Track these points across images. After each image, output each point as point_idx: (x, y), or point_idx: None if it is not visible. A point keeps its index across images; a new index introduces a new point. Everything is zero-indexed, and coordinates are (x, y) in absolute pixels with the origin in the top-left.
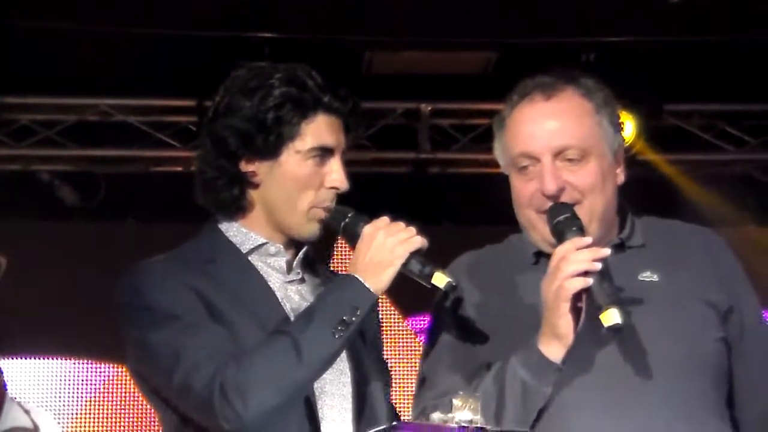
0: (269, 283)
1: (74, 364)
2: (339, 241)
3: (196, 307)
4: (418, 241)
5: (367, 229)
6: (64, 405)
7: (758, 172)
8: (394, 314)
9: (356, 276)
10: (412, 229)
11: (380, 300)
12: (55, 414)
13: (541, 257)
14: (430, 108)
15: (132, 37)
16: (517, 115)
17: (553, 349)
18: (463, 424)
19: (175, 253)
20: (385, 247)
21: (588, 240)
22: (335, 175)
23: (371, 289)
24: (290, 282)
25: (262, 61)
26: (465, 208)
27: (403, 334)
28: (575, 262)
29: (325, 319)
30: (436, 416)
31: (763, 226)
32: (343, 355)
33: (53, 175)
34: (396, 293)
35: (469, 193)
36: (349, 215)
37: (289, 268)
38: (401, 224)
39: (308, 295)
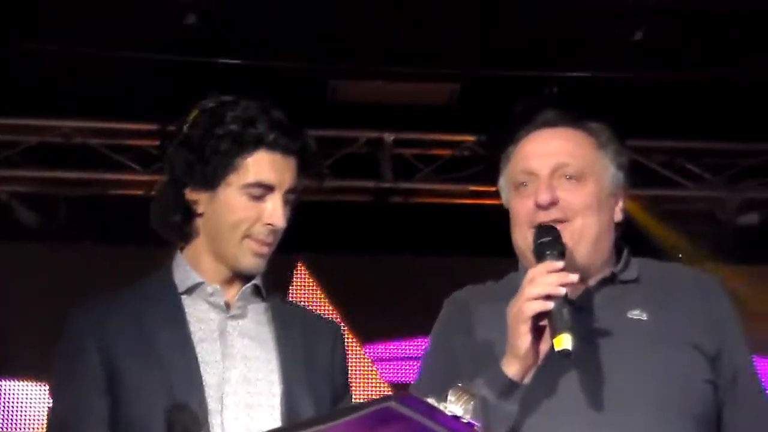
0: (203, 325)
1: (26, 385)
2: (298, 268)
3: (93, 378)
4: None
5: None
6: (12, 426)
7: (717, 209)
8: (352, 342)
9: None
10: None
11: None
12: None
13: None
14: (393, 137)
15: (96, 58)
16: (522, 143)
17: (513, 368)
18: (454, 413)
19: (119, 294)
20: None
21: (560, 264)
22: (270, 211)
23: None
24: (231, 317)
25: (226, 88)
26: (426, 238)
27: (359, 362)
28: (540, 285)
29: None
30: (431, 400)
31: (722, 264)
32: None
33: (12, 195)
34: (354, 321)
35: (430, 224)
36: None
37: (232, 304)
38: None
39: (249, 331)
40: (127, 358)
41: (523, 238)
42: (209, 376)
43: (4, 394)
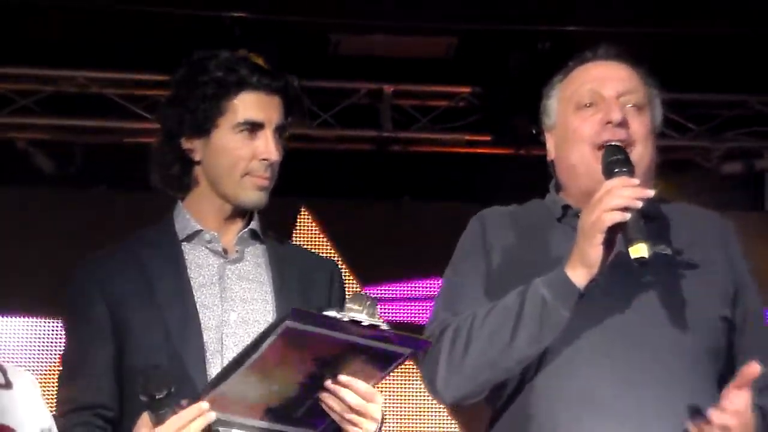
0: (203, 270)
1: (45, 322)
2: (302, 213)
3: (99, 326)
4: None
5: None
6: (34, 363)
7: (700, 158)
8: (353, 283)
9: None
10: None
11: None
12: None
13: (568, 212)
14: (392, 89)
15: (111, 11)
16: (584, 67)
17: (578, 275)
18: (354, 319)
19: (123, 244)
20: None
21: (636, 181)
22: (263, 147)
23: None
24: (230, 262)
25: (232, 40)
26: (423, 184)
27: None
28: (619, 197)
29: None
30: (330, 312)
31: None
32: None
33: (29, 143)
34: (355, 263)
35: (427, 171)
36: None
37: (230, 249)
38: None
39: (247, 274)
40: (131, 307)
41: (580, 155)
42: (208, 319)
43: (34, 331)
